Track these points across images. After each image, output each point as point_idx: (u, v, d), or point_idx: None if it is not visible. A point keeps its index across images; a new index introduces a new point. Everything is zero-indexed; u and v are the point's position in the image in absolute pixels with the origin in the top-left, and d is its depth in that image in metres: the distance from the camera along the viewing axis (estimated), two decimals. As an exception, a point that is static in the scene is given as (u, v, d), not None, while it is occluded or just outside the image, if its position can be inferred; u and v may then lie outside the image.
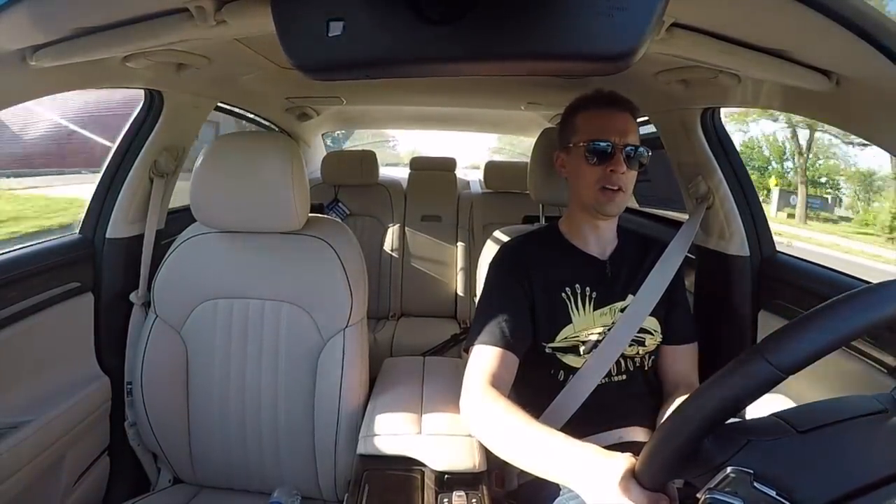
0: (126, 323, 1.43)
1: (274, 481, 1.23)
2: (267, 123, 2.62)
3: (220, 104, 1.82)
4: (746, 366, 0.53)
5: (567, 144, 1.13)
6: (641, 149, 1.08)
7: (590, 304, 1.10)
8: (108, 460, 1.40)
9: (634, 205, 2.38)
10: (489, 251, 1.36)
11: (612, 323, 1.10)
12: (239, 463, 1.28)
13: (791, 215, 12.98)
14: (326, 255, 1.22)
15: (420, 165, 3.15)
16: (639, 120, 1.13)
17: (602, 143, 1.06)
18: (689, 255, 1.26)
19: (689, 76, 1.20)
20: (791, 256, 1.37)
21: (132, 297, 1.44)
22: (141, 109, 1.46)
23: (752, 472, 0.52)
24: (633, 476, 0.65)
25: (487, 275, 1.15)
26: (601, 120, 1.09)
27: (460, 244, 2.79)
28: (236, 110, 2.24)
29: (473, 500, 0.98)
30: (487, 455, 1.06)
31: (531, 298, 1.09)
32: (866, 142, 0.94)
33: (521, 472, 1.10)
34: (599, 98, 1.12)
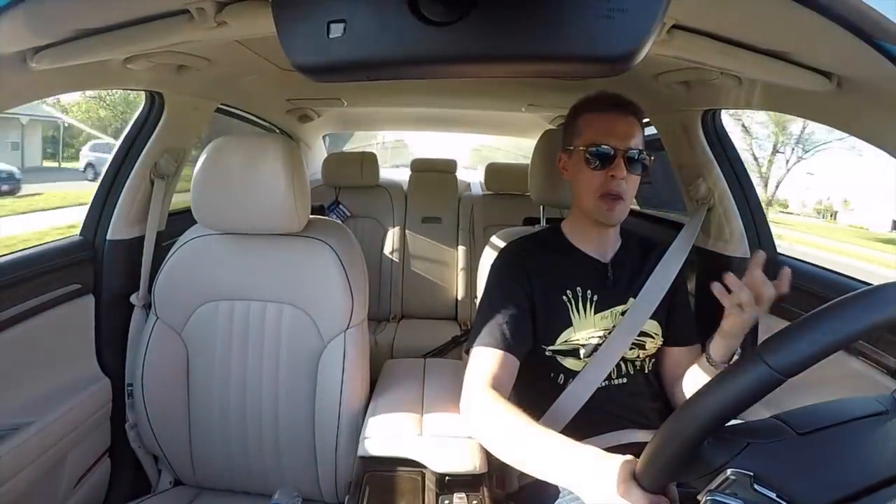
0: (127, 325, 1.43)
1: (275, 483, 1.23)
2: (268, 125, 2.63)
3: (220, 106, 1.82)
4: (745, 368, 0.53)
5: (569, 146, 1.12)
6: (644, 153, 1.06)
7: (591, 307, 1.10)
8: (108, 462, 1.40)
9: (635, 206, 2.38)
10: (490, 253, 1.36)
11: (613, 326, 1.09)
12: (240, 465, 1.28)
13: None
14: (327, 257, 1.22)
15: (420, 167, 3.14)
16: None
17: (603, 148, 1.05)
18: (689, 256, 1.26)
19: (690, 78, 1.20)
20: (791, 258, 1.37)
21: (133, 298, 1.44)
22: (142, 111, 1.46)
23: (751, 474, 0.52)
24: (633, 478, 0.65)
25: (488, 276, 1.15)
26: (603, 123, 1.07)
27: (461, 246, 2.79)
28: (237, 112, 2.24)
29: (474, 502, 0.98)
30: (488, 457, 1.06)
31: (532, 300, 1.09)
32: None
33: (522, 473, 1.09)
34: (603, 100, 1.10)
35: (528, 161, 1.53)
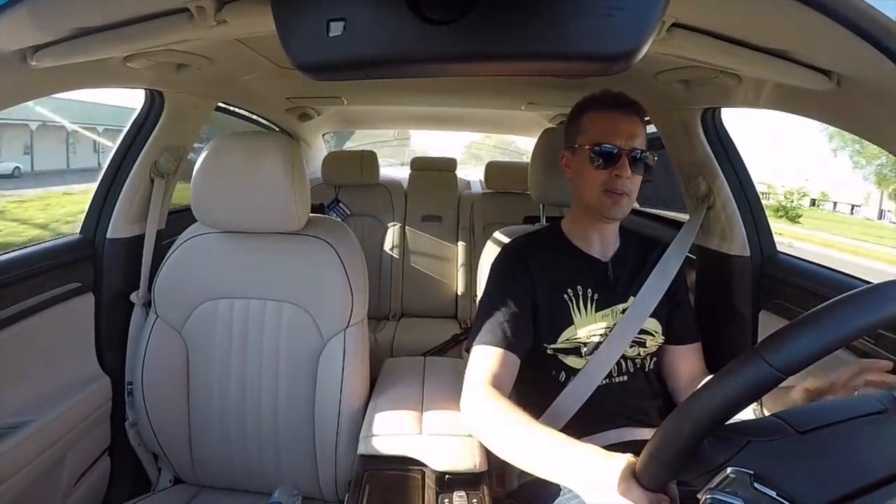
0: (127, 323, 1.43)
1: (274, 481, 1.23)
2: (268, 123, 2.63)
3: (220, 104, 1.82)
4: (745, 367, 0.53)
5: (573, 145, 1.12)
6: (647, 153, 1.07)
7: (592, 305, 1.10)
8: (108, 460, 1.40)
9: (635, 205, 2.38)
10: (490, 251, 1.36)
11: (614, 324, 1.09)
12: (239, 463, 1.28)
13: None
14: (327, 256, 1.22)
15: (420, 166, 3.15)
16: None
17: (607, 147, 1.05)
18: (689, 255, 1.25)
19: (690, 76, 1.20)
20: (792, 256, 1.37)
21: (133, 297, 1.44)
22: (141, 110, 1.46)
23: (751, 472, 0.52)
24: (633, 476, 0.65)
25: (489, 275, 1.15)
26: (608, 122, 1.07)
27: (461, 244, 2.79)
28: (237, 110, 2.24)
29: (474, 501, 0.98)
30: (488, 455, 1.06)
31: (533, 299, 1.09)
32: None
33: (522, 472, 1.09)
34: (607, 99, 1.10)
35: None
